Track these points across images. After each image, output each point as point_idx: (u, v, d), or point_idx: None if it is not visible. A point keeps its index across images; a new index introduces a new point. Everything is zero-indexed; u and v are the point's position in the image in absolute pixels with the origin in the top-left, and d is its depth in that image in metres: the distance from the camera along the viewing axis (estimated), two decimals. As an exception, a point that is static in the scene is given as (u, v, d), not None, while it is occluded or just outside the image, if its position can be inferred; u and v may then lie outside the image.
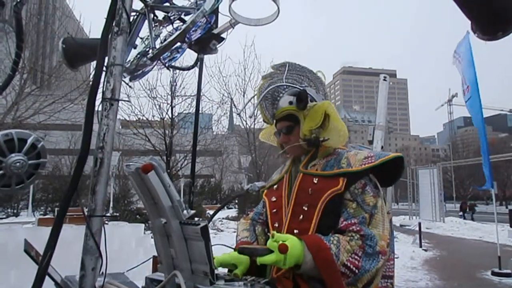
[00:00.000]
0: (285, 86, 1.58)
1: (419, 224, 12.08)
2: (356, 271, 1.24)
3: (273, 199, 1.59)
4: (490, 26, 1.16)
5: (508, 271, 7.28)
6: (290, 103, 1.52)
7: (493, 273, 7.36)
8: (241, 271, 1.41)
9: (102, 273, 1.07)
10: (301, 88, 1.55)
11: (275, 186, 1.63)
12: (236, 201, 21.62)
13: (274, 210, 1.55)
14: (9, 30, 8.29)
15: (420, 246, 10.93)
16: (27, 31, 8.82)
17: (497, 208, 9.01)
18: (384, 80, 5.99)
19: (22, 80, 8.53)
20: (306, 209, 1.41)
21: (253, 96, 1.65)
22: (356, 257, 1.26)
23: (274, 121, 1.60)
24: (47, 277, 1.03)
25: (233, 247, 1.54)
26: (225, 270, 1.48)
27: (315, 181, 1.44)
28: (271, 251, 1.21)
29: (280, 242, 1.20)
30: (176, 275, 1.08)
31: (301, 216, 1.42)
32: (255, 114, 1.73)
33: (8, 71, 1.42)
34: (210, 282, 1.06)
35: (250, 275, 1.32)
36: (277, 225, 1.51)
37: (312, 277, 1.29)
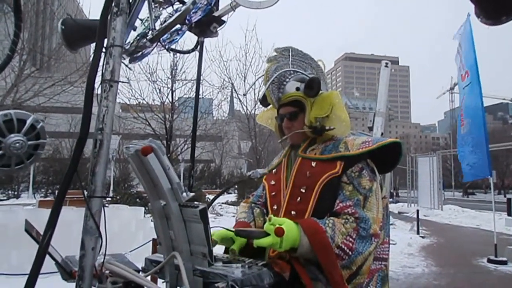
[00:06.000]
0: (291, 71, 1.56)
1: (417, 211, 12.17)
2: (350, 253, 1.26)
3: (272, 182, 1.61)
4: (494, 10, 1.14)
5: (504, 258, 7.36)
6: (297, 89, 1.53)
7: (489, 261, 7.44)
8: (237, 246, 1.42)
9: (102, 253, 1.08)
10: (307, 75, 1.54)
11: (274, 170, 1.65)
12: (236, 186, 21.73)
13: (273, 193, 1.58)
14: (7, 10, 8.19)
15: (418, 233, 11.01)
16: (26, 11, 8.71)
17: (495, 197, 9.03)
18: (386, 66, 5.96)
19: (21, 62, 8.48)
20: (304, 191, 1.43)
21: (258, 79, 1.64)
22: (350, 239, 1.28)
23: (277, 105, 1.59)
24: (47, 256, 1.04)
25: (232, 228, 1.56)
26: (222, 250, 1.49)
27: (313, 165, 1.46)
28: (268, 234, 1.22)
29: (277, 226, 1.22)
30: (175, 256, 1.10)
31: (299, 198, 1.44)
32: (259, 98, 1.72)
33: (6, 51, 1.40)
34: (208, 263, 1.08)
35: (247, 257, 1.34)
36: (275, 207, 1.54)
37: (308, 260, 1.31)
